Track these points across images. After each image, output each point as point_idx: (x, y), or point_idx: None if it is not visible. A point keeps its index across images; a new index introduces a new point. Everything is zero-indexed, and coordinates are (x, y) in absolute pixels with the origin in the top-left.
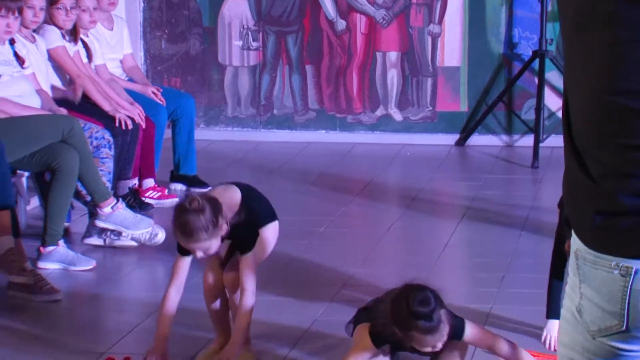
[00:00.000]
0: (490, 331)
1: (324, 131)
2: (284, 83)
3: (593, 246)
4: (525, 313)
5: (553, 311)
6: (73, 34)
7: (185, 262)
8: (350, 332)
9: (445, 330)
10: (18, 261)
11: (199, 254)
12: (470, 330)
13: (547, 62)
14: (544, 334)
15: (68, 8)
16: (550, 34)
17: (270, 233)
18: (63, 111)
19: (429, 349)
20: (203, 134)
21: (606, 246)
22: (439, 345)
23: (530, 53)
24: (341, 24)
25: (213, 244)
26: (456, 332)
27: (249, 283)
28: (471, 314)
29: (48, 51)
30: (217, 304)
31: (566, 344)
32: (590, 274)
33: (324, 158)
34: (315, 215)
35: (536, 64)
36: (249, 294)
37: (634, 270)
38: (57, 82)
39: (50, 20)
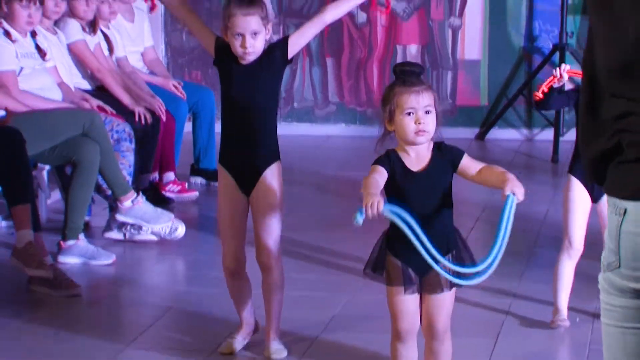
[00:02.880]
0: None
1: (344, 124)
2: (304, 76)
3: (604, 187)
4: (542, 310)
5: None
6: (92, 25)
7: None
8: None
9: (430, 95)
10: (37, 255)
11: (249, 39)
12: (466, 158)
13: (568, 55)
14: None
15: None
16: (571, 28)
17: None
18: (84, 104)
19: (422, 120)
20: None
21: (609, 187)
22: (431, 115)
23: (551, 46)
24: (361, 17)
25: (261, 35)
26: (456, 155)
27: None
28: (487, 313)
29: (68, 46)
30: (239, 287)
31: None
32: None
33: (344, 151)
34: (336, 208)
35: (556, 57)
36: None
37: (623, 210)
38: (78, 75)
39: (70, 12)
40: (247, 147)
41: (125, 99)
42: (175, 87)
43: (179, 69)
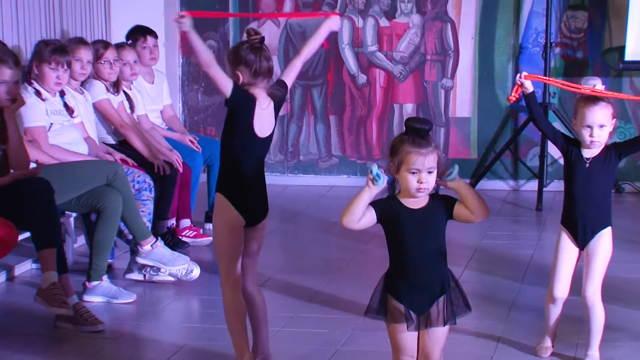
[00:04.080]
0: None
1: (345, 176)
2: (310, 132)
3: None
4: (528, 347)
5: None
6: (115, 86)
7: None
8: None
9: (435, 156)
10: (60, 295)
11: None
12: (458, 204)
13: (550, 113)
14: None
15: (112, 61)
16: (553, 88)
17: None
18: (108, 157)
19: (424, 180)
20: None
21: None
22: (432, 174)
23: None
24: (362, 78)
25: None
26: (449, 202)
27: None
28: (479, 346)
29: (94, 104)
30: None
31: None
32: None
33: (346, 200)
34: (338, 253)
35: None
36: None
37: None
38: (103, 131)
39: (96, 74)
40: None
41: (146, 152)
42: (192, 141)
43: (195, 125)
